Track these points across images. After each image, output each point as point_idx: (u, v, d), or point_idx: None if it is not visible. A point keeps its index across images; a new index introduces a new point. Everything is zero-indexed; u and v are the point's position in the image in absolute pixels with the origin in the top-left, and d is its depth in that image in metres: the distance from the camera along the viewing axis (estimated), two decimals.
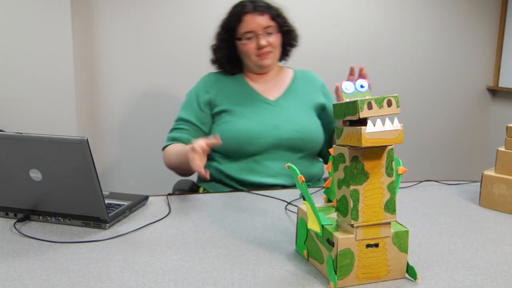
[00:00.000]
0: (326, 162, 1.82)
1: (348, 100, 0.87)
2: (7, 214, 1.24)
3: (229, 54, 1.72)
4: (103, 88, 2.71)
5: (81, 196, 1.16)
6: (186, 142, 1.65)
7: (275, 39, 1.67)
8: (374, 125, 0.82)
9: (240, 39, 1.67)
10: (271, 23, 1.66)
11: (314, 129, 1.68)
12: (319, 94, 1.77)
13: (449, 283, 0.91)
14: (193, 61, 2.69)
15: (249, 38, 1.65)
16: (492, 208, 1.36)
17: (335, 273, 0.89)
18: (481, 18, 3.25)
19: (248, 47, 1.66)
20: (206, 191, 1.69)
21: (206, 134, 1.69)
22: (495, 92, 3.38)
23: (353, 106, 0.83)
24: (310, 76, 1.83)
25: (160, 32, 2.73)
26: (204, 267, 0.97)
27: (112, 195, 1.38)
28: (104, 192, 1.24)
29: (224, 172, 1.64)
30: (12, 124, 2.48)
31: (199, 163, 1.35)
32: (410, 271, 0.93)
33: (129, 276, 0.93)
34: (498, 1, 3.25)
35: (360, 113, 0.81)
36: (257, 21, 1.63)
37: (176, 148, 1.63)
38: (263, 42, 1.63)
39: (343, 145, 0.89)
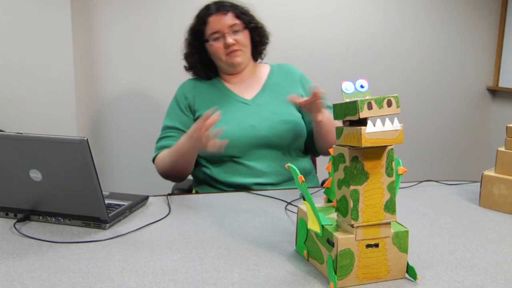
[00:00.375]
0: (314, 154, 1.82)
1: (348, 100, 0.87)
2: (7, 214, 1.24)
3: (200, 58, 1.73)
4: (103, 88, 2.71)
5: (81, 196, 1.16)
6: None
7: (242, 36, 1.67)
8: (374, 125, 0.82)
9: (207, 41, 1.68)
10: (236, 21, 1.66)
11: (292, 123, 1.66)
12: (297, 86, 1.76)
13: (449, 283, 0.91)
14: None
15: (216, 39, 1.66)
16: (492, 208, 1.36)
17: (335, 273, 0.89)
18: (481, 18, 3.25)
19: (216, 47, 1.66)
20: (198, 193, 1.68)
21: None
22: (495, 92, 3.38)
23: (353, 106, 0.83)
24: (288, 70, 1.81)
25: (160, 32, 2.73)
26: (204, 267, 0.97)
27: (112, 195, 1.38)
28: (104, 192, 1.24)
29: (211, 176, 1.64)
30: (12, 124, 2.48)
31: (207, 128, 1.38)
32: (410, 271, 0.93)
33: (129, 276, 0.93)
34: (498, 1, 3.25)
35: (360, 113, 0.81)
36: (222, 21, 1.64)
37: (168, 150, 1.62)
38: (229, 40, 1.63)
39: (343, 145, 0.89)
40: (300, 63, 2.84)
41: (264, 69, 1.81)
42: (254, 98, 1.71)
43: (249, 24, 1.70)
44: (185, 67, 1.79)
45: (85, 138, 1.08)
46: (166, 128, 1.71)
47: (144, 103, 2.76)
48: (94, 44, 2.66)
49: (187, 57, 1.76)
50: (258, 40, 1.75)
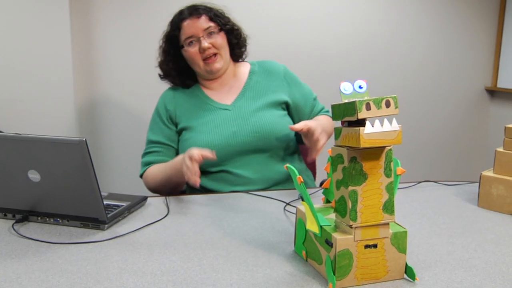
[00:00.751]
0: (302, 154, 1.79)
1: (346, 100, 0.87)
2: (5, 215, 1.24)
3: (176, 66, 1.69)
4: (102, 88, 2.71)
5: (79, 197, 1.16)
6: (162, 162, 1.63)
7: (218, 39, 1.62)
8: (373, 126, 0.82)
9: (183, 46, 1.63)
10: (211, 23, 1.61)
11: (274, 125, 1.61)
12: (282, 86, 1.70)
13: (447, 284, 0.91)
14: None
15: (191, 43, 1.61)
16: (490, 208, 1.36)
17: (334, 273, 0.89)
18: (480, 19, 3.26)
19: (191, 52, 1.61)
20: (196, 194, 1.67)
21: (177, 150, 1.67)
22: (493, 92, 3.38)
23: (351, 107, 0.83)
24: (269, 67, 1.74)
25: (159, 33, 2.72)
26: (202, 268, 0.97)
27: (111, 196, 1.38)
28: (102, 193, 1.24)
29: (202, 186, 1.61)
30: (11, 124, 2.48)
31: (196, 169, 1.35)
32: (409, 272, 0.93)
33: (128, 277, 0.93)
34: (497, 2, 3.26)
35: (359, 114, 0.81)
36: (196, 25, 1.60)
37: (159, 167, 1.60)
38: (205, 44, 1.58)
39: (341, 146, 0.89)
40: (299, 64, 2.85)
41: (244, 68, 1.75)
42: (234, 102, 1.66)
43: (224, 26, 1.65)
44: (160, 75, 1.74)
45: (84, 139, 1.08)
46: (150, 142, 1.68)
47: (142, 104, 2.76)
48: (92, 45, 2.66)
49: (161, 64, 1.71)
50: (235, 42, 1.70)
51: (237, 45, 1.72)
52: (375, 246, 0.90)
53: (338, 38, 3.01)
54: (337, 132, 0.90)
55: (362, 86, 0.91)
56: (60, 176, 1.14)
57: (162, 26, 2.76)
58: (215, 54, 1.62)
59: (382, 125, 0.82)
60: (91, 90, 2.70)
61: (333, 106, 0.90)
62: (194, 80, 1.72)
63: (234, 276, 0.93)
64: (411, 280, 0.92)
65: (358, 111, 0.81)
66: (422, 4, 3.13)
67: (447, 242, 1.11)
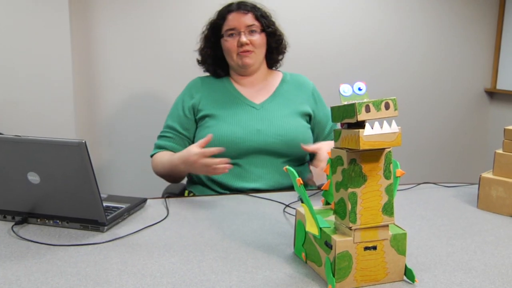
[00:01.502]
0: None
1: (346, 102, 0.87)
2: (5, 217, 1.24)
3: (214, 54, 1.73)
4: (102, 90, 2.71)
5: (79, 199, 1.16)
6: (171, 150, 1.67)
7: (257, 38, 1.66)
8: (372, 128, 0.82)
9: (223, 36, 1.68)
10: (255, 22, 1.66)
11: (299, 133, 1.65)
12: (309, 101, 1.74)
13: (447, 286, 0.91)
14: (191, 63, 2.69)
15: (231, 35, 1.65)
16: (490, 210, 1.36)
17: (333, 275, 0.89)
18: (479, 21, 3.26)
19: (229, 44, 1.65)
20: (192, 194, 1.68)
21: (190, 140, 1.70)
22: (493, 94, 3.39)
23: (351, 109, 0.83)
24: (300, 81, 1.79)
25: (158, 34, 2.73)
26: (202, 270, 0.97)
27: (110, 198, 1.38)
28: (102, 195, 1.24)
29: (208, 176, 1.63)
30: (10, 126, 2.47)
31: (215, 161, 1.40)
32: (408, 274, 0.93)
33: (127, 279, 0.93)
34: (496, 3, 3.26)
35: (358, 116, 0.81)
36: (240, 19, 1.64)
37: (164, 158, 1.63)
38: (243, 39, 1.62)
39: (341, 148, 0.89)
40: (298, 65, 2.84)
41: (276, 76, 1.79)
42: (263, 103, 1.69)
43: (267, 28, 1.69)
44: (197, 60, 1.79)
45: (83, 141, 1.08)
46: (166, 126, 1.73)
47: (142, 106, 2.76)
48: (92, 46, 2.66)
49: (201, 51, 1.76)
50: (275, 46, 1.74)
51: (275, 50, 1.76)
52: (374, 248, 0.90)
53: (337, 40, 3.01)
54: (337, 134, 0.90)
55: (361, 88, 0.91)
56: (60, 178, 1.14)
57: (162, 27, 2.76)
58: (250, 51, 1.65)
59: (381, 127, 0.82)
60: (91, 91, 2.70)
61: (332, 108, 0.90)
62: (226, 72, 1.77)
63: (233, 278, 0.93)
64: (411, 282, 0.92)
65: (358, 113, 0.81)
66: (421, 6, 3.13)
67: (447, 244, 1.11)
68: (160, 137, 1.73)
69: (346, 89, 0.90)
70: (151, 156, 1.71)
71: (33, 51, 2.47)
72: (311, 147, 1.50)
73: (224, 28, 1.67)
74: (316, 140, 1.74)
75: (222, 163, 1.40)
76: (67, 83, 2.54)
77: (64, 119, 2.56)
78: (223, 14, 1.68)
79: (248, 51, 1.65)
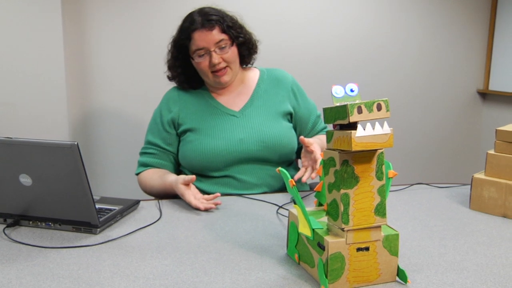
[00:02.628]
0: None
1: (338, 104, 0.87)
2: None
3: (185, 71, 1.65)
4: (95, 92, 2.70)
5: (71, 201, 1.15)
6: (157, 166, 1.65)
7: (229, 53, 1.57)
8: (364, 129, 0.82)
9: (192, 57, 1.59)
10: (223, 36, 1.55)
11: (282, 137, 1.61)
12: (289, 97, 1.69)
13: (439, 286, 0.91)
14: None
15: (201, 56, 1.56)
16: (482, 211, 1.36)
17: (326, 277, 0.89)
18: (471, 22, 3.28)
19: (201, 65, 1.57)
20: None
21: (174, 154, 1.66)
22: (485, 95, 3.40)
23: (343, 110, 0.83)
24: (278, 77, 1.72)
25: (152, 35, 2.73)
26: (195, 271, 0.97)
27: (103, 200, 1.38)
28: (94, 197, 1.23)
29: (202, 190, 1.60)
30: (2, 128, 2.46)
31: (208, 197, 1.42)
32: (401, 275, 0.93)
33: (120, 281, 0.92)
34: (488, 5, 3.28)
35: (350, 117, 0.81)
36: (207, 38, 1.53)
37: (154, 175, 1.61)
38: (215, 60, 1.54)
39: (333, 149, 0.89)
40: (291, 66, 2.85)
41: (253, 74, 1.72)
42: (242, 109, 1.65)
43: (237, 38, 1.59)
44: (168, 77, 1.71)
45: (76, 143, 1.08)
46: (148, 142, 1.68)
47: (135, 108, 2.75)
48: (85, 48, 2.65)
49: (170, 68, 1.67)
50: (247, 53, 1.67)
51: (247, 55, 1.68)
52: (367, 249, 0.91)
53: (330, 41, 3.02)
54: (329, 135, 0.90)
55: (353, 90, 0.91)
56: (52, 180, 1.14)
57: (155, 28, 2.75)
58: (225, 67, 1.58)
59: (373, 129, 0.83)
60: (84, 93, 2.69)
61: (324, 110, 0.91)
62: (201, 82, 1.69)
63: (226, 280, 0.93)
64: (403, 282, 0.93)
65: (350, 115, 0.81)
66: (414, 7, 3.14)
67: (439, 245, 1.12)
68: (143, 153, 1.68)
69: (338, 91, 0.90)
70: (137, 174, 1.67)
71: (26, 52, 2.46)
72: (306, 140, 1.43)
73: (192, 49, 1.57)
74: (299, 133, 1.71)
75: (210, 199, 1.41)
76: (60, 85, 2.52)
77: (57, 121, 2.55)
78: (187, 33, 1.56)
79: (222, 69, 1.57)
